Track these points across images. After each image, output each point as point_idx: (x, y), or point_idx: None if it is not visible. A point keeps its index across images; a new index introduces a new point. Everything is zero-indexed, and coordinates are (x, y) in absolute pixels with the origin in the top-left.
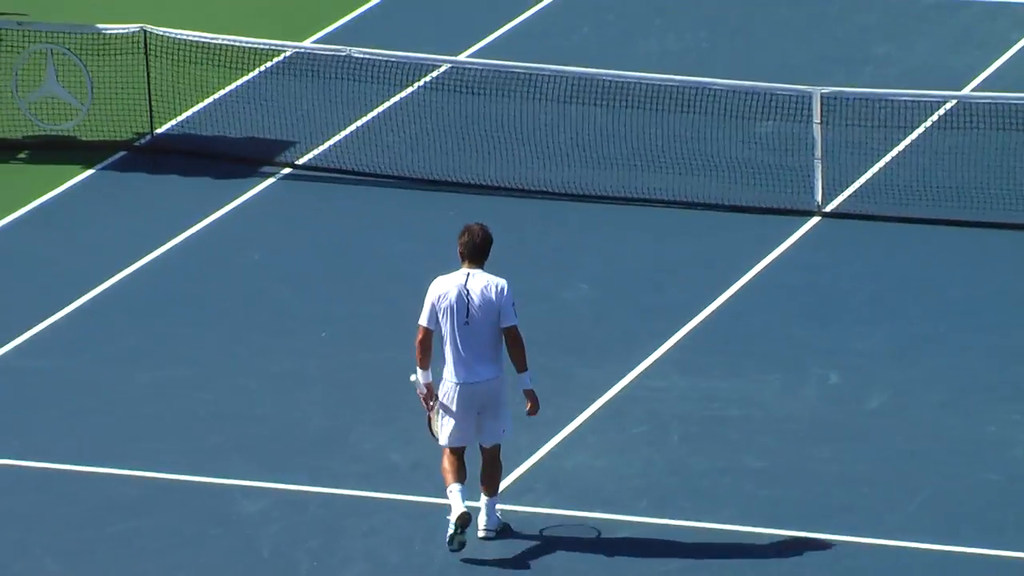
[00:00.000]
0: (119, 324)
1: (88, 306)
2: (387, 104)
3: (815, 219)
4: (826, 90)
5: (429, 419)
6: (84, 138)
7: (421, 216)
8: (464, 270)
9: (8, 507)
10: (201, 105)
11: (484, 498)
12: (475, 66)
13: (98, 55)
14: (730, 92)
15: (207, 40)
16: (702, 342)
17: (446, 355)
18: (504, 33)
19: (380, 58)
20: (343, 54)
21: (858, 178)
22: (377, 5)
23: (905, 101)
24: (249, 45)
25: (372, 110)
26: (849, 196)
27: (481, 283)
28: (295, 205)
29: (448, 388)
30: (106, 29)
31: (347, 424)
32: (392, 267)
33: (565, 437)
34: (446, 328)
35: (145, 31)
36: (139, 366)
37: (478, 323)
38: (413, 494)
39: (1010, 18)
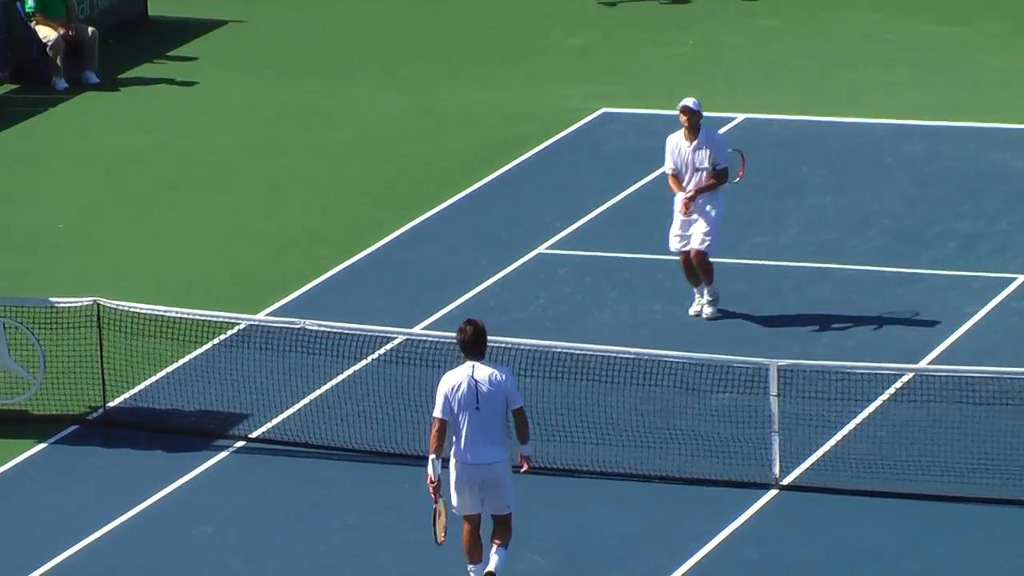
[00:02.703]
0: None
1: None
2: (341, 376)
3: (772, 492)
4: (782, 362)
5: (434, 517)
6: (36, 412)
7: (376, 489)
8: (468, 363)
9: None
10: (154, 378)
11: (494, 545)
12: (429, 338)
13: (51, 328)
14: (686, 364)
15: (160, 313)
16: None
17: (458, 438)
18: (459, 305)
19: (334, 330)
20: (297, 326)
21: (816, 450)
22: (331, 277)
23: (862, 373)
24: (202, 318)
25: (326, 382)
26: (807, 469)
27: (487, 373)
28: (249, 478)
29: (457, 467)
30: (59, 302)
31: None
32: (347, 539)
33: None
34: (459, 416)
35: (98, 304)
36: None
37: (487, 408)
38: None
39: (963, 292)
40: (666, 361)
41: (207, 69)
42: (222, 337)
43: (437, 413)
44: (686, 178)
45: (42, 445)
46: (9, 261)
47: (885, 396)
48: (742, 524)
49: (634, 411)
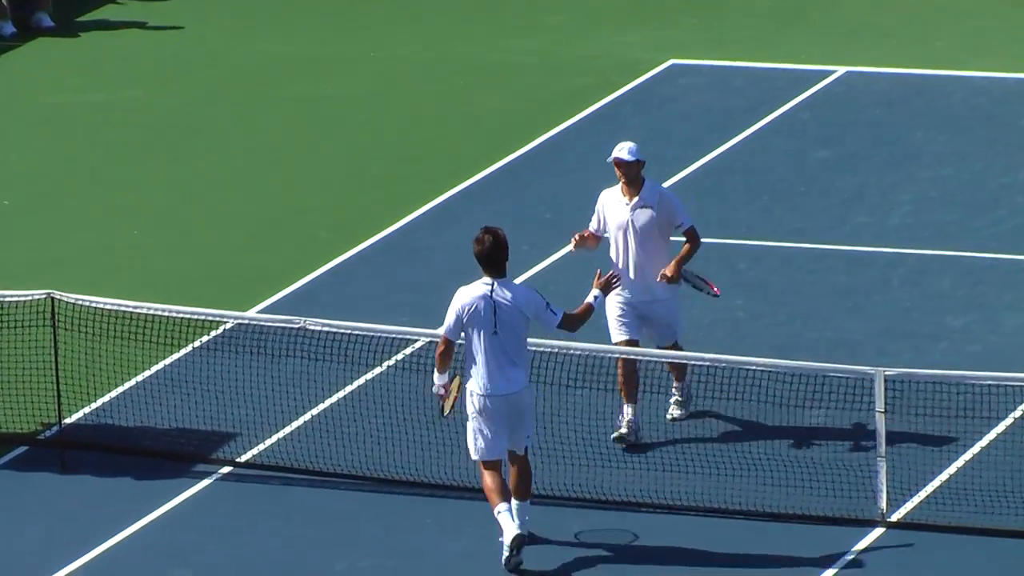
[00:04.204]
0: None
1: None
2: (350, 387)
3: (878, 530)
4: (891, 372)
5: (443, 402)
6: None
7: (392, 526)
8: (485, 279)
9: None
10: (121, 389)
11: (516, 502)
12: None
13: None
14: (772, 373)
15: (128, 309)
16: None
17: (476, 365)
18: None
19: (341, 331)
20: (295, 326)
21: (931, 480)
22: (336, 266)
23: (988, 385)
24: (179, 315)
25: (331, 394)
26: (920, 503)
27: (507, 293)
28: (236, 511)
29: (478, 400)
30: (4, 296)
31: None
32: None
33: None
34: (475, 339)
35: (52, 298)
36: None
37: (506, 332)
38: None
39: None
40: (748, 370)
41: (184, 11)
42: (204, 339)
43: (446, 332)
44: (622, 246)
45: None
46: None
47: (1018, 413)
48: (841, 571)
49: (708, 430)
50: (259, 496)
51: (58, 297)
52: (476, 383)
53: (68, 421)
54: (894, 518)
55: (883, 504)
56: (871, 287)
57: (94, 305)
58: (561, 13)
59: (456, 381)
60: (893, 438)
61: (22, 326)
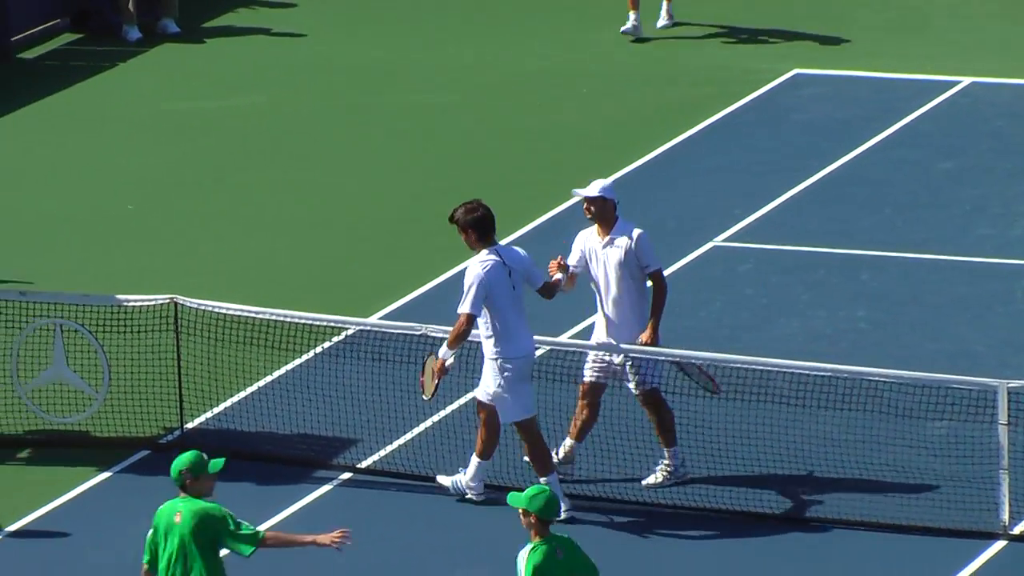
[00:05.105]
0: None
1: None
2: (472, 393)
3: (1000, 543)
4: (1014, 384)
5: (430, 374)
6: (98, 433)
7: (506, 533)
8: (490, 248)
9: None
10: (242, 394)
11: (543, 479)
12: (572, 348)
13: (117, 332)
14: (894, 384)
15: (250, 314)
16: None
17: (505, 333)
18: None
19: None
20: (417, 332)
21: None
22: (458, 274)
23: None
24: (301, 321)
25: (453, 401)
26: None
27: (511, 256)
28: (356, 518)
29: (516, 364)
30: (128, 301)
31: None
32: None
33: None
34: (501, 308)
35: (175, 303)
36: None
37: (519, 291)
38: None
39: None
40: (870, 381)
41: (307, 18)
42: (325, 345)
43: (470, 309)
44: (600, 284)
45: (104, 474)
46: (67, 249)
47: None
48: None
49: (829, 441)
50: (379, 502)
51: (181, 302)
52: (509, 349)
53: (190, 426)
54: (1016, 531)
55: (1005, 517)
56: (993, 298)
57: (216, 310)
58: (684, 23)
59: (440, 363)
60: (1016, 450)
61: (145, 331)
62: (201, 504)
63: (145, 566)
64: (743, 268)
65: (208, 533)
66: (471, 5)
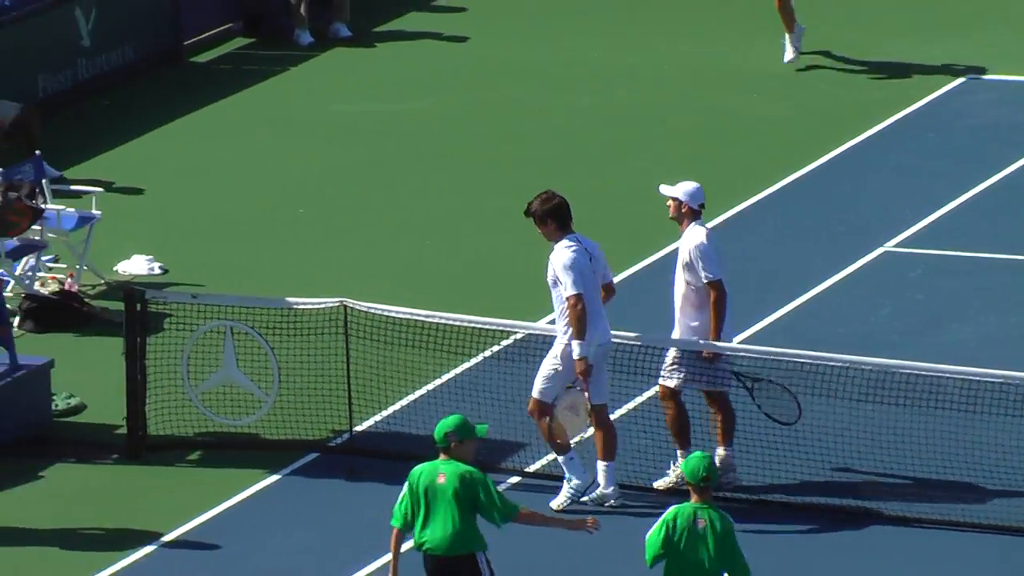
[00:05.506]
0: None
1: None
2: (642, 397)
3: None
4: None
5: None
6: (268, 436)
7: None
8: (571, 235)
9: None
10: (411, 397)
11: (602, 463)
12: (747, 354)
13: (288, 335)
14: None
15: (420, 318)
16: None
17: (591, 316)
18: (783, 315)
19: (630, 343)
20: None
21: None
22: (626, 279)
23: None
24: (470, 325)
25: (622, 405)
26: None
27: (589, 244)
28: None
29: (600, 351)
30: (298, 303)
31: None
32: None
33: None
34: (589, 289)
35: (346, 306)
36: None
37: (598, 279)
38: None
39: None
40: None
41: (480, 21)
42: (494, 348)
43: (578, 289)
44: (674, 287)
45: (274, 477)
46: (237, 252)
47: None
48: None
49: (1001, 448)
50: (543, 506)
51: (351, 305)
52: (598, 335)
53: (358, 428)
54: None
55: None
56: None
57: (386, 314)
58: (857, 28)
59: (584, 364)
60: None
61: (315, 334)
62: (464, 467)
63: (396, 528)
64: (914, 274)
65: (471, 495)
66: (639, 4)
